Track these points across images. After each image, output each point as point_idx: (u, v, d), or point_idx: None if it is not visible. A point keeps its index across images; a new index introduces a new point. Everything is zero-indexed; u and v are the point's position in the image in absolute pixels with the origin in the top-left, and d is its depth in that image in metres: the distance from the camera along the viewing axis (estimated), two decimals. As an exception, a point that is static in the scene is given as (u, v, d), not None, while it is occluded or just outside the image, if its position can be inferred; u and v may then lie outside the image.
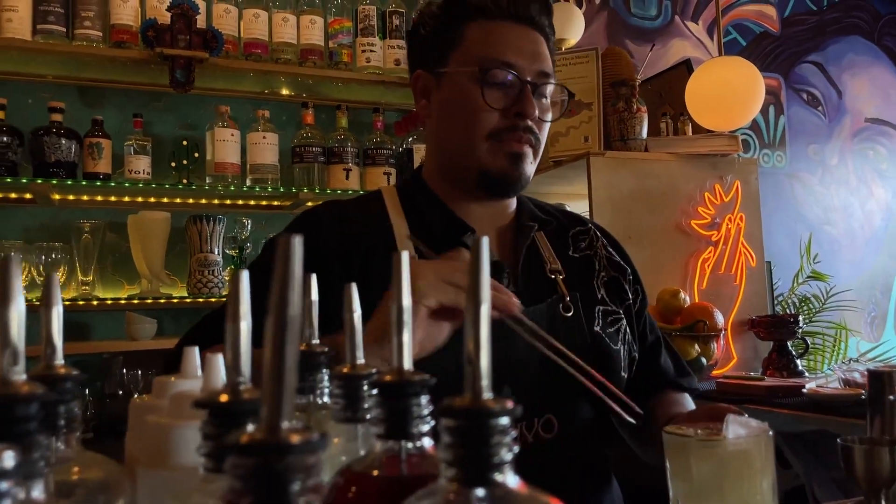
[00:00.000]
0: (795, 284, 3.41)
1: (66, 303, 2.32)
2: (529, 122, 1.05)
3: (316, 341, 0.63)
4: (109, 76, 2.46)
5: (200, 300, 2.34)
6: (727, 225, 2.55)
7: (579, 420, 1.05)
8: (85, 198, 2.44)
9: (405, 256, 0.43)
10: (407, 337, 0.43)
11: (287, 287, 0.27)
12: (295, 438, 0.27)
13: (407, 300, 0.43)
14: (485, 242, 0.35)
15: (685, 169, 2.54)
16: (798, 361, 2.39)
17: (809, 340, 3.27)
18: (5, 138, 2.13)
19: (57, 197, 2.40)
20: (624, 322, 1.15)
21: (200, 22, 2.33)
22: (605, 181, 2.43)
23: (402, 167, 2.60)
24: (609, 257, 1.20)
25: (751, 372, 2.39)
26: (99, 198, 2.45)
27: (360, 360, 0.52)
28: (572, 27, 2.87)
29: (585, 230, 1.21)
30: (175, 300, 2.36)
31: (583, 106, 2.55)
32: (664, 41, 3.41)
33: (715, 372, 2.44)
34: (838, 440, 0.85)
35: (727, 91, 2.41)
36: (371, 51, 2.53)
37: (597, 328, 1.10)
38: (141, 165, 2.29)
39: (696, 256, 2.51)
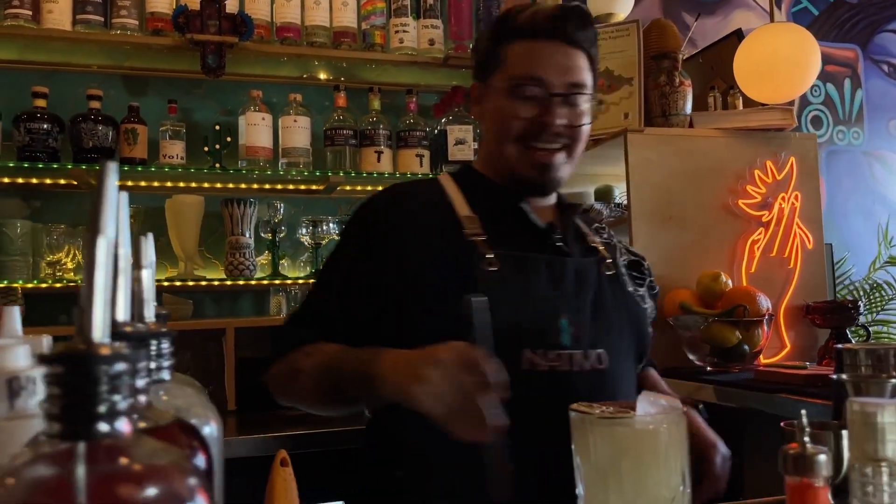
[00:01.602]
0: (872, 271, 3.17)
1: (113, 285, 2.40)
2: (556, 130, 1.20)
3: (152, 306, 0.60)
4: (151, 64, 2.53)
5: (241, 282, 2.38)
6: (780, 204, 2.39)
7: (623, 360, 1.20)
8: (130, 183, 2.52)
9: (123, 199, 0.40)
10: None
11: None
12: None
13: (125, 248, 0.39)
14: (112, 167, 0.31)
15: (733, 145, 2.39)
16: (857, 351, 2.21)
17: (884, 329, 3.04)
18: (46, 125, 2.21)
19: (103, 183, 2.49)
20: (644, 291, 1.33)
21: (232, 7, 2.36)
22: (644, 159, 2.31)
23: (437, 149, 2.56)
24: (626, 247, 1.38)
25: (806, 361, 2.22)
26: (143, 183, 2.52)
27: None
28: (620, 1, 2.74)
29: (602, 226, 1.41)
30: (216, 282, 2.40)
31: (623, 81, 2.44)
32: (726, 12, 3.23)
33: (764, 360, 2.29)
34: (782, 423, 0.76)
35: (777, 60, 2.24)
36: (404, 31, 2.50)
37: (630, 289, 1.28)
38: (175, 150, 2.34)
39: (744, 238, 2.36)
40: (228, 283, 2.37)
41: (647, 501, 0.64)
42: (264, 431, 1.93)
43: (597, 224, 1.40)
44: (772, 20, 2.35)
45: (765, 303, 2.10)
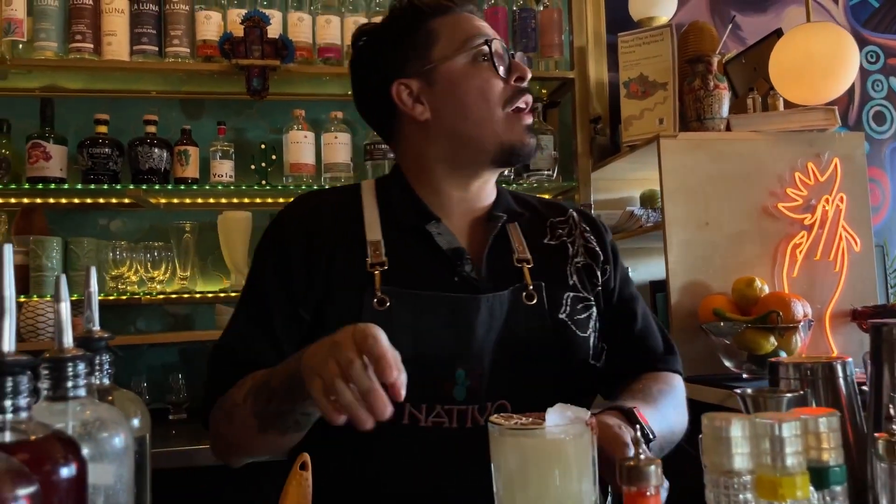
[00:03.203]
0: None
1: (173, 296, 2.56)
2: (526, 87, 1.14)
3: (96, 327, 0.68)
4: (205, 88, 2.68)
5: (282, 293, 2.50)
6: (823, 206, 2.33)
7: (541, 407, 1.05)
8: (188, 200, 2.68)
9: (7, 250, 0.48)
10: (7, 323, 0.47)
11: None
12: None
13: (9, 290, 0.47)
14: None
15: (773, 148, 2.35)
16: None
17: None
18: (107, 150, 2.39)
19: (163, 201, 2.66)
20: (594, 310, 1.17)
21: (276, 32, 2.48)
22: (678, 164, 2.30)
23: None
24: (586, 244, 1.22)
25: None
26: (200, 200, 2.68)
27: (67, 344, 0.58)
28: (663, 4, 2.72)
29: (565, 219, 1.25)
30: (260, 293, 2.53)
31: (657, 86, 2.44)
32: (778, 10, 3.15)
33: (808, 367, 2.24)
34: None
35: (813, 61, 2.20)
36: (441, 46, 2.56)
37: (562, 315, 1.12)
38: (224, 169, 2.48)
39: (785, 242, 2.32)
40: (274, 293, 2.49)
41: None
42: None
43: (559, 218, 1.24)
44: (808, 19, 2.29)
45: (801, 308, 2.06)
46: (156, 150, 2.42)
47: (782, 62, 2.26)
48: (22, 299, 2.40)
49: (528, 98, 1.14)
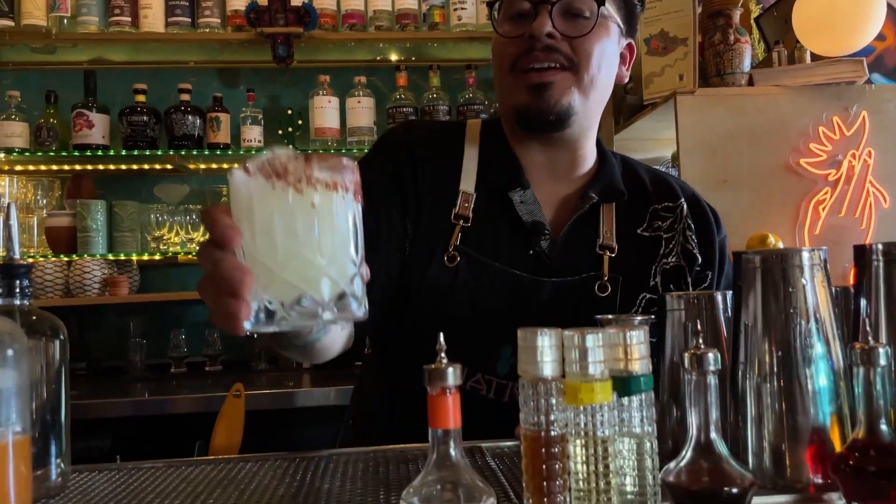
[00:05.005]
0: None
1: (213, 257, 2.70)
2: (548, 42, 1.00)
3: (17, 256, 0.77)
4: (240, 57, 2.80)
5: (308, 252, 2.61)
6: (849, 162, 2.26)
7: None
8: (225, 165, 2.81)
9: None
10: None
11: None
12: None
13: None
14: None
15: (796, 102, 2.28)
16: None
17: None
18: (144, 118, 2.54)
19: (203, 166, 2.80)
20: None
21: (300, 0, 2.56)
22: (696, 121, 2.27)
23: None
24: (684, 244, 1.10)
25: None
26: (237, 165, 2.80)
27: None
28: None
29: (672, 207, 1.13)
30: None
31: (678, 42, 2.40)
32: (822, -40, 3.02)
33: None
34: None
35: (836, 10, 2.12)
36: (462, 8, 2.59)
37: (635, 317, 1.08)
38: (253, 134, 2.59)
39: (808, 199, 2.26)
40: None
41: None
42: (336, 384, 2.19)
43: (666, 204, 1.12)
44: (833, -34, 2.21)
45: (814, 265, 2.02)
46: (189, 117, 2.55)
47: (806, 12, 2.19)
48: (74, 258, 2.59)
49: (538, 55, 1.00)
